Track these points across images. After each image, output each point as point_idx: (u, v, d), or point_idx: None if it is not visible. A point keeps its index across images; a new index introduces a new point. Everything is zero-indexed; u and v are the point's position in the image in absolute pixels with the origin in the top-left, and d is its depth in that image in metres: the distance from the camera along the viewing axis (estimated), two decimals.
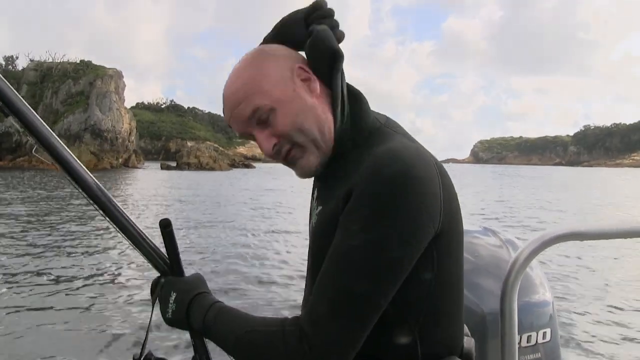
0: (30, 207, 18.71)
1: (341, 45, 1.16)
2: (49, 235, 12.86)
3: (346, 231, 1.04)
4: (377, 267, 1.02)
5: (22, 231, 13.32)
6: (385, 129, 1.18)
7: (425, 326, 1.14)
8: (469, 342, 1.25)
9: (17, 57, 79.22)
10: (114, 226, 1.21)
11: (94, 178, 1.17)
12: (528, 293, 1.82)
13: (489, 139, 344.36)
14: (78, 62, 75.33)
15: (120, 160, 69.46)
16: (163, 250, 1.27)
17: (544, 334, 1.79)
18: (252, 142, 1.33)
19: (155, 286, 1.27)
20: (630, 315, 7.26)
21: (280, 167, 1.23)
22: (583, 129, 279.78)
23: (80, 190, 1.16)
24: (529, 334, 1.77)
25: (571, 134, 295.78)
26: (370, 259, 1.01)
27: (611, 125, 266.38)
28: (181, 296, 1.20)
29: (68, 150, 1.14)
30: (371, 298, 1.02)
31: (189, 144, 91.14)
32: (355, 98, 1.19)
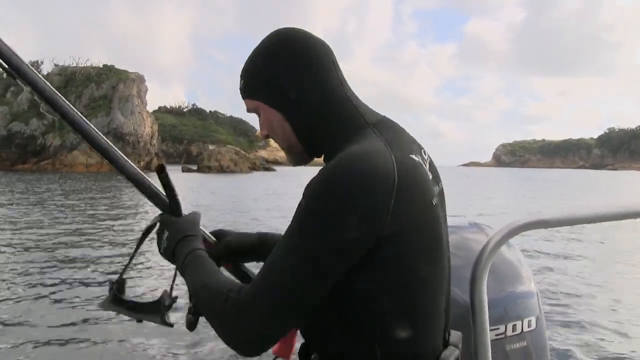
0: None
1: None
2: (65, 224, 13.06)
3: (290, 223, 1.14)
4: (301, 260, 1.10)
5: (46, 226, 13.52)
6: (369, 130, 1.24)
7: (383, 328, 1.17)
8: (450, 352, 1.27)
9: (42, 62, 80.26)
10: (115, 168, 1.36)
11: (95, 129, 1.32)
12: (514, 283, 1.85)
13: (511, 142, 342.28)
14: (101, 66, 76.51)
15: (141, 163, 69.83)
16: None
17: (529, 322, 1.82)
18: (273, 145, 1.48)
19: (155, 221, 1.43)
20: (609, 300, 7.43)
21: (301, 170, 1.39)
22: (607, 131, 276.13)
23: (82, 137, 1.31)
24: (514, 322, 1.80)
25: (595, 136, 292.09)
26: (295, 252, 1.10)
27: (636, 128, 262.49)
28: (171, 236, 1.36)
29: (72, 106, 1.28)
30: (295, 288, 1.10)
31: (211, 147, 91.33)
32: (324, 115, 1.28)
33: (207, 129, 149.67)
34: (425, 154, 1.30)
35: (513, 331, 1.78)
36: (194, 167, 77.95)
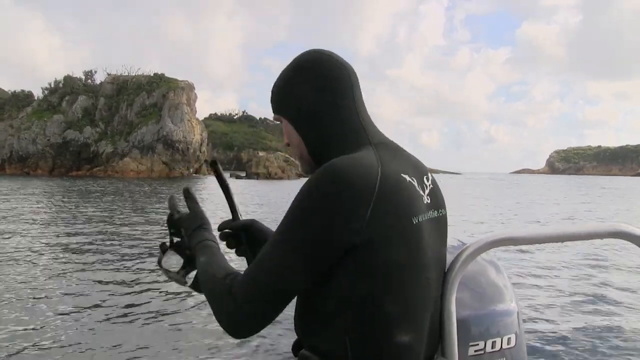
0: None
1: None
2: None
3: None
4: (279, 256, 1.24)
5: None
6: (369, 147, 1.35)
7: (353, 329, 1.24)
8: None
9: (95, 72, 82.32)
10: None
11: None
12: (494, 301, 1.85)
13: (565, 148, 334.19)
14: (152, 75, 78.21)
15: (191, 170, 71.42)
16: None
17: (509, 339, 1.82)
18: None
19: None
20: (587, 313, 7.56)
21: None
22: None
23: None
24: (494, 339, 1.80)
25: None
26: (274, 249, 1.24)
27: None
28: (185, 230, 1.54)
29: None
30: (273, 282, 1.24)
31: (260, 154, 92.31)
32: (331, 132, 1.40)
33: (257, 135, 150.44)
34: (427, 180, 1.40)
35: (492, 348, 1.78)
36: (243, 174, 78.91)
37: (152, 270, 9.70)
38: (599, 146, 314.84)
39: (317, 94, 1.39)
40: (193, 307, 7.23)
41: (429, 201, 1.35)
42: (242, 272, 1.29)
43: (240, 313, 1.25)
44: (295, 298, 1.37)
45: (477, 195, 43.07)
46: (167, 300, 7.71)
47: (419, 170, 1.39)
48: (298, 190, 1.25)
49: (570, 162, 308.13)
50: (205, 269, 1.39)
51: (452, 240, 2.16)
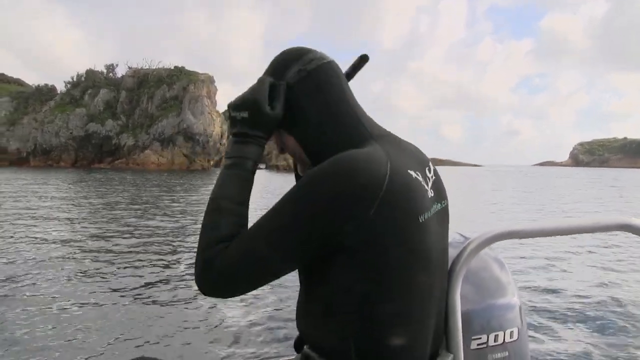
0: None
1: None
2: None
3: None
4: (272, 234, 1.18)
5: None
6: (372, 141, 1.31)
7: (357, 324, 1.23)
8: None
9: (116, 65, 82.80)
10: None
11: None
12: (497, 296, 1.86)
13: (589, 140, 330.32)
14: (172, 68, 78.48)
15: (211, 162, 71.93)
16: None
17: (511, 333, 1.82)
18: None
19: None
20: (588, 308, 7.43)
21: None
22: None
23: None
24: (497, 333, 1.80)
25: None
26: (270, 226, 1.19)
27: None
28: (245, 122, 1.38)
29: None
30: (264, 257, 1.19)
31: None
32: (328, 131, 1.34)
33: None
34: (429, 172, 1.37)
35: (495, 341, 1.78)
36: (263, 166, 79.47)
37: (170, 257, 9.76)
38: (625, 138, 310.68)
39: (308, 95, 1.34)
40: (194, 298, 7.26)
41: (432, 194, 1.33)
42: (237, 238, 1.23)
43: (224, 276, 1.19)
44: (298, 294, 1.37)
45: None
46: (174, 289, 7.74)
47: (421, 162, 1.36)
48: (307, 174, 1.21)
49: (595, 155, 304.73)
50: (218, 207, 1.27)
51: (453, 234, 2.15)
